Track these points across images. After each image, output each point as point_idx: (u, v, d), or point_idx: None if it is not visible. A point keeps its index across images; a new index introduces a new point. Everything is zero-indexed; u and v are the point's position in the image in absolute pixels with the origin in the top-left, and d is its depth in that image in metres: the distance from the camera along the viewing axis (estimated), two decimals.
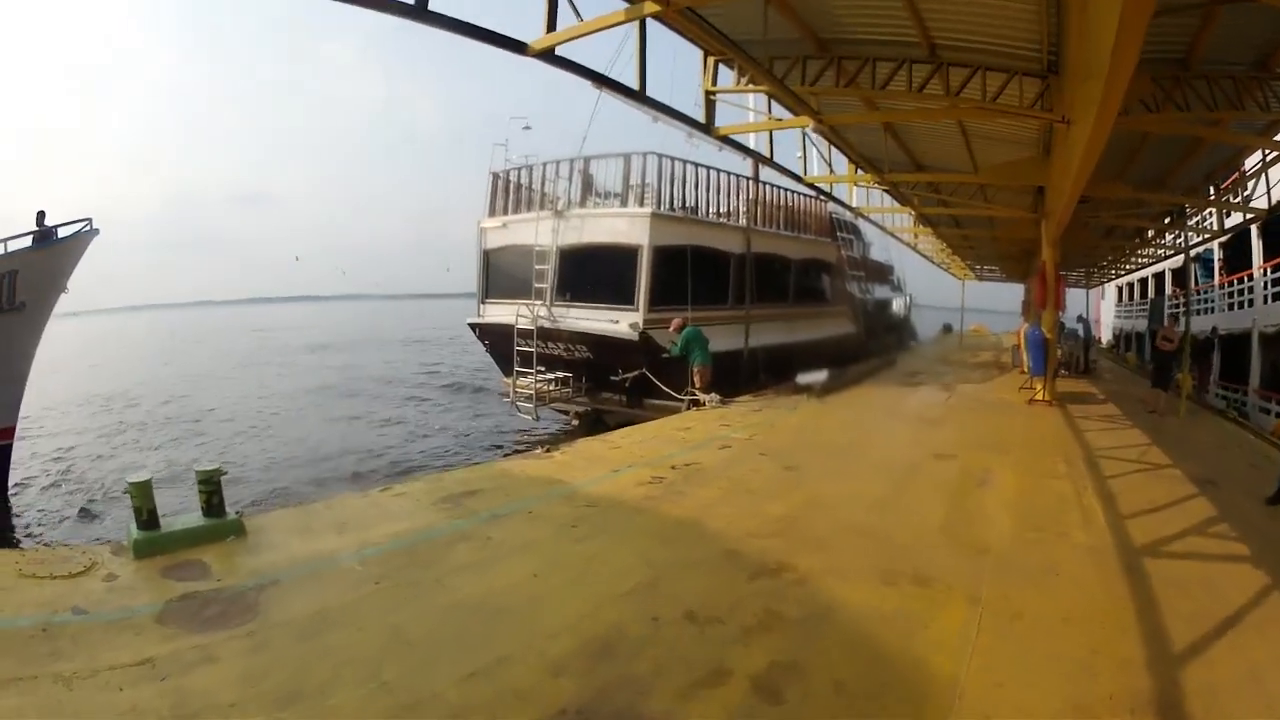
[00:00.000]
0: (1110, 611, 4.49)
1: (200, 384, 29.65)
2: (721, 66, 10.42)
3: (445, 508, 6.36)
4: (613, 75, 8.81)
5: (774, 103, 12.17)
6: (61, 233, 13.22)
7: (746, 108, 13.41)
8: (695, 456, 8.66)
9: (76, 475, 14.73)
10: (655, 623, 4.21)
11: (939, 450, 9.39)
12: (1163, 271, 28.96)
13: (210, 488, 5.32)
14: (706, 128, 10.55)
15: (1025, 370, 16.65)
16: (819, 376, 15.26)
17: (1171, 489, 7.61)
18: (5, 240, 12.38)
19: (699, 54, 10.55)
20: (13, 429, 13.20)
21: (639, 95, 8.54)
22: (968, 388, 16.83)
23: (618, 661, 3.75)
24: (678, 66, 11.26)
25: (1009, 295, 44.15)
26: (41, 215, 12.98)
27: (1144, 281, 32.97)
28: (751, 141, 14.49)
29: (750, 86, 10.11)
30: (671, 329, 13.48)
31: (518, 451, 10.19)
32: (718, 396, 12.98)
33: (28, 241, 12.69)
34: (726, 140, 11.48)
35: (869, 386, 16.78)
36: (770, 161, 13.64)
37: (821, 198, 21.05)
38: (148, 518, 5.01)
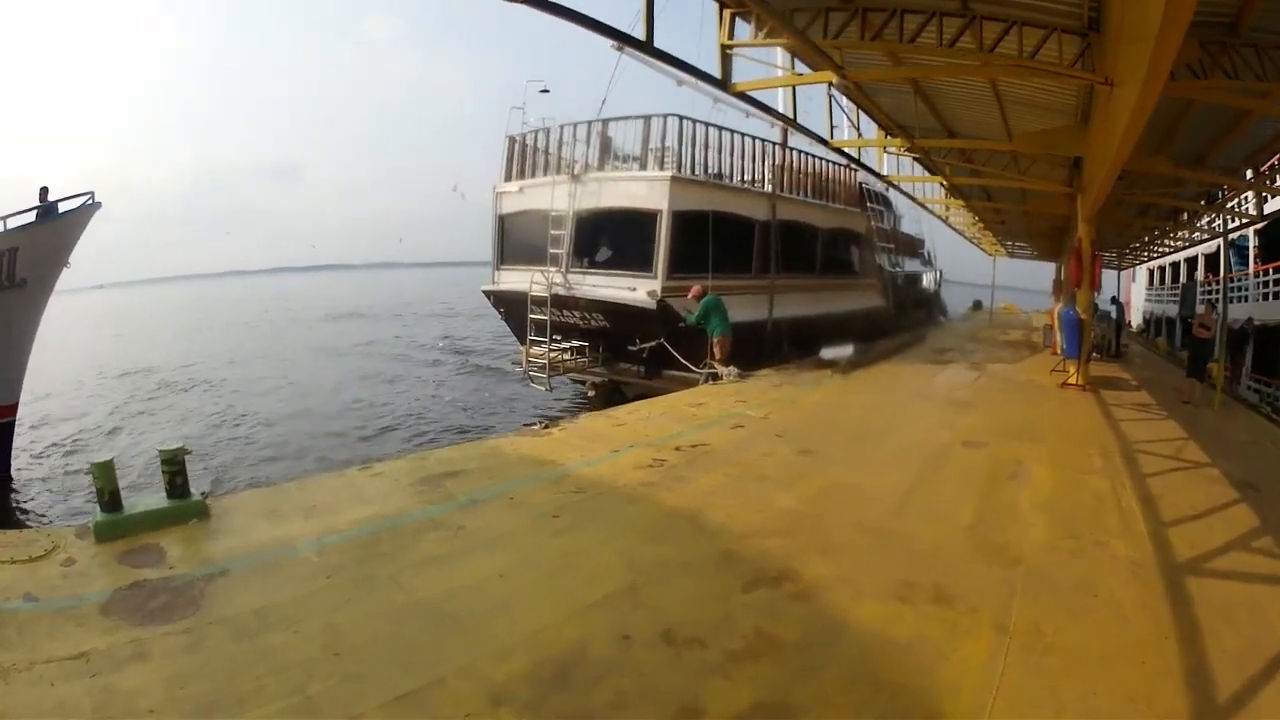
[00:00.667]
0: (1152, 645, 3.87)
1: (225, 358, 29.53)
2: (739, 21, 9.66)
3: (422, 490, 5.93)
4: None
5: (797, 61, 11.35)
6: (63, 208, 12.99)
7: (772, 64, 12.57)
8: (704, 436, 8.08)
9: (92, 451, 14.37)
10: (626, 642, 3.67)
11: (968, 436, 8.72)
12: (1196, 256, 27.85)
13: (174, 468, 5.03)
14: (722, 83, 9.77)
15: (1057, 351, 15.86)
16: (844, 351, 14.57)
17: (1212, 492, 6.89)
18: (5, 217, 12.10)
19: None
20: (14, 406, 13.01)
21: (645, 46, 7.82)
22: (998, 368, 16.08)
23: (572, 691, 3.22)
24: (705, 36, 10.56)
25: (1039, 273, 43.20)
26: (45, 191, 12.76)
27: (1175, 266, 31.84)
28: (779, 103, 13.66)
29: (768, 40, 9.29)
30: (690, 296, 12.87)
31: (526, 425, 9.68)
32: (736, 370, 12.36)
33: (31, 217, 12.44)
34: (744, 98, 10.66)
35: (896, 363, 16.06)
36: (793, 123, 12.80)
37: (852, 166, 20.21)
38: (110, 499, 4.79)
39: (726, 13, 9.64)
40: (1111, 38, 7.50)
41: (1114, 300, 23.66)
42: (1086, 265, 13.63)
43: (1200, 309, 15.34)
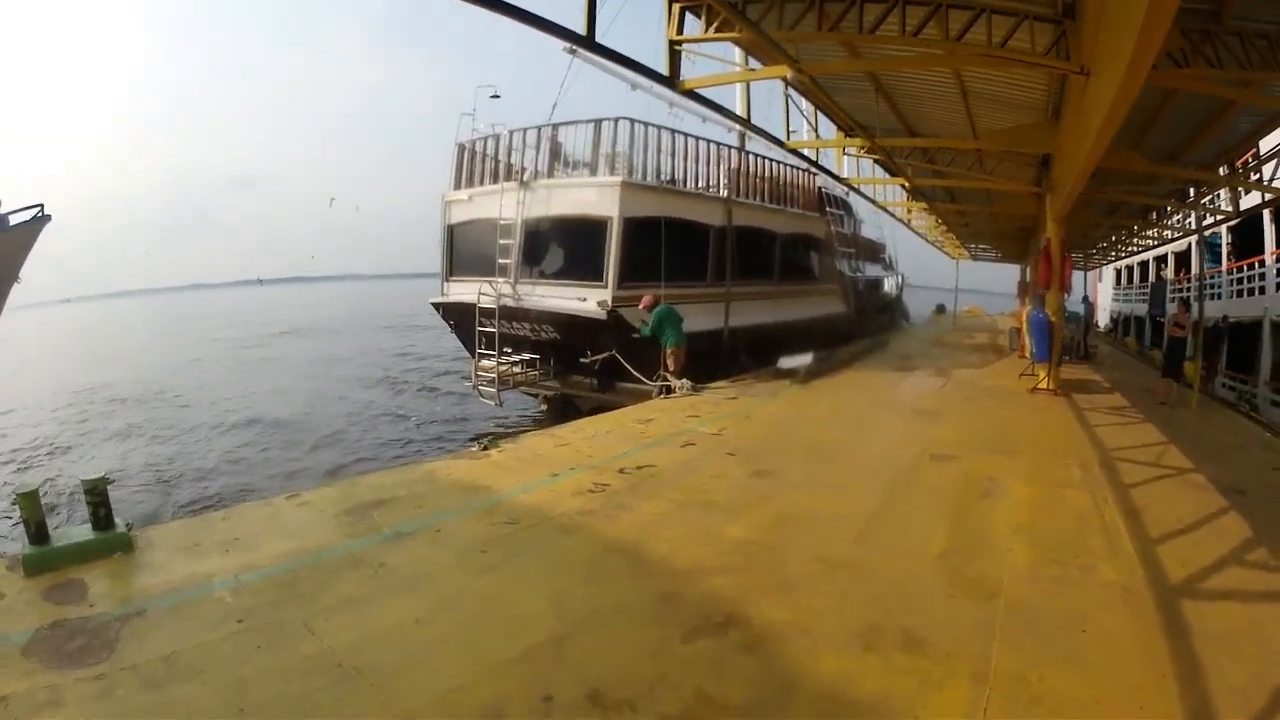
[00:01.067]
0: (1150, 687, 3.41)
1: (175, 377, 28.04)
2: (689, 16, 9.11)
3: (347, 522, 5.41)
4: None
5: (751, 59, 10.85)
6: (12, 220, 12.14)
7: (730, 61, 12.05)
8: (651, 457, 7.47)
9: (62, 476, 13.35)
10: (546, 704, 3.17)
11: (937, 449, 8.23)
12: (1165, 255, 28.04)
13: (96, 498, 4.81)
14: (670, 81, 9.22)
15: (1025, 355, 15.54)
16: (803, 360, 14.03)
17: (1199, 500, 6.53)
18: None
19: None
20: None
21: (586, 41, 7.23)
22: (965, 373, 15.70)
23: None
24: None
25: (1003, 276, 43.51)
26: None
27: (1144, 265, 32.10)
28: (736, 105, 13.12)
29: (719, 34, 8.74)
30: (641, 306, 12.31)
31: (468, 445, 8.99)
32: (689, 383, 11.78)
33: None
34: (695, 97, 10.05)
35: (858, 371, 15.59)
36: (747, 123, 12.28)
37: (810, 170, 19.84)
38: (37, 531, 4.59)
39: (675, 6, 9.11)
40: (1089, 24, 7.09)
41: (1084, 300, 23.55)
42: (1056, 266, 13.37)
43: (1174, 308, 15.18)
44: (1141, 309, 29.87)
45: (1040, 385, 13.01)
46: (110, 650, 3.61)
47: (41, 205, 12.67)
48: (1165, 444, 9.01)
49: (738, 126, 21.42)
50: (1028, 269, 33.60)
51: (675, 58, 9.20)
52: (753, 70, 9.62)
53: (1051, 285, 13.46)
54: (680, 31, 9.08)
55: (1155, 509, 6.17)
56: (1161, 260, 28.74)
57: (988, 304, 49.33)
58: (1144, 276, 31.93)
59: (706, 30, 8.85)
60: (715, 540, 5.15)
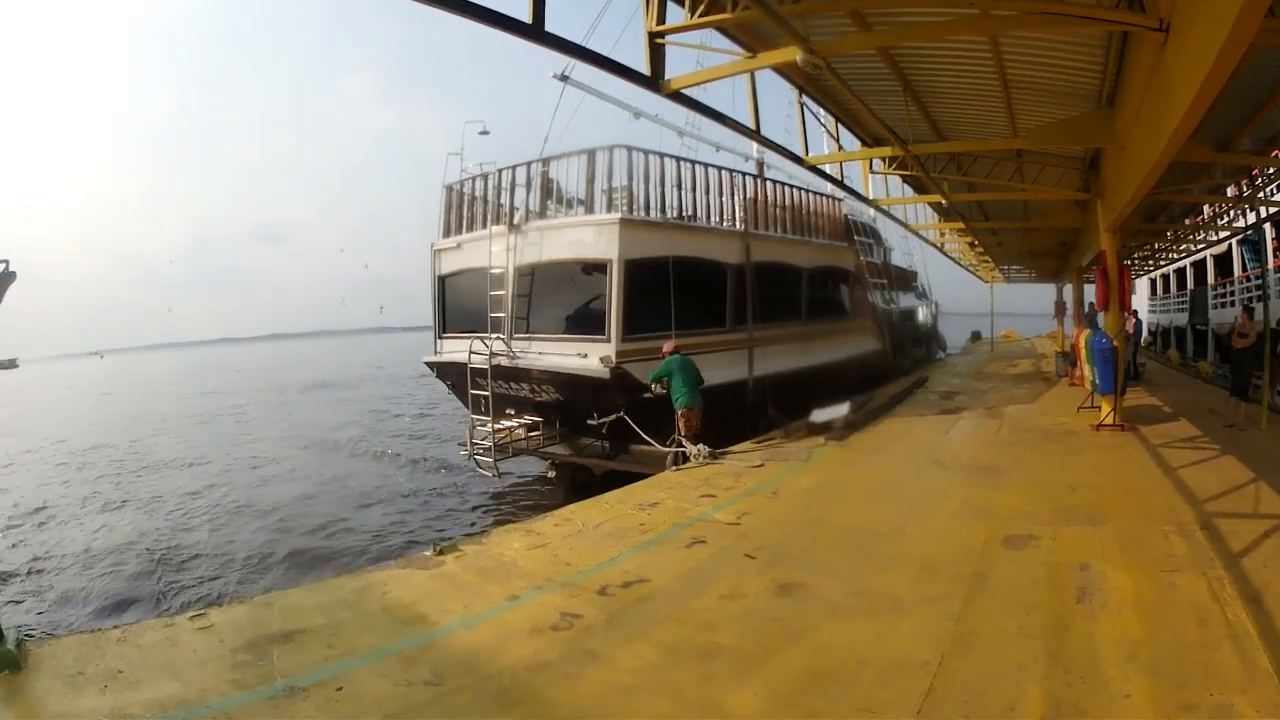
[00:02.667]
0: None
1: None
2: (672, 5, 7.56)
3: (243, 662, 4.33)
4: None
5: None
6: None
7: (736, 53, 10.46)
8: (646, 565, 5.87)
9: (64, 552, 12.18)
10: None
11: (1008, 526, 6.56)
12: (1203, 259, 26.35)
13: None
14: (652, 82, 7.69)
15: (1075, 382, 13.74)
16: (839, 410, 12.31)
17: None
18: None
19: None
20: None
21: (534, 30, 5.76)
22: (1017, 411, 14.02)
23: None
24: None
25: (1036, 297, 42.05)
26: None
27: (1180, 272, 30.37)
28: (747, 117, 11.47)
29: (706, 18, 7.11)
30: (665, 354, 10.91)
31: (422, 551, 7.22)
32: (706, 449, 10.12)
33: None
34: (683, 100, 8.47)
35: (900, 418, 13.84)
36: (756, 135, 10.59)
37: (834, 196, 18.28)
38: None
39: None
40: None
41: (1134, 315, 21.76)
42: (1114, 282, 11.73)
43: (1219, 315, 13.53)
44: (1181, 319, 28.40)
45: (1105, 421, 11.37)
46: None
47: (7, 261, 11.64)
48: (1254, 481, 7.83)
49: (752, 154, 19.96)
50: (1064, 288, 32.35)
51: (658, 54, 7.58)
52: (752, 58, 7.92)
53: (1110, 304, 11.81)
54: (663, 22, 7.52)
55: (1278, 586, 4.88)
56: (1199, 266, 27.12)
57: (1021, 326, 48.10)
58: (1181, 284, 30.35)
59: (692, 16, 7.28)
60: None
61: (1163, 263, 32.04)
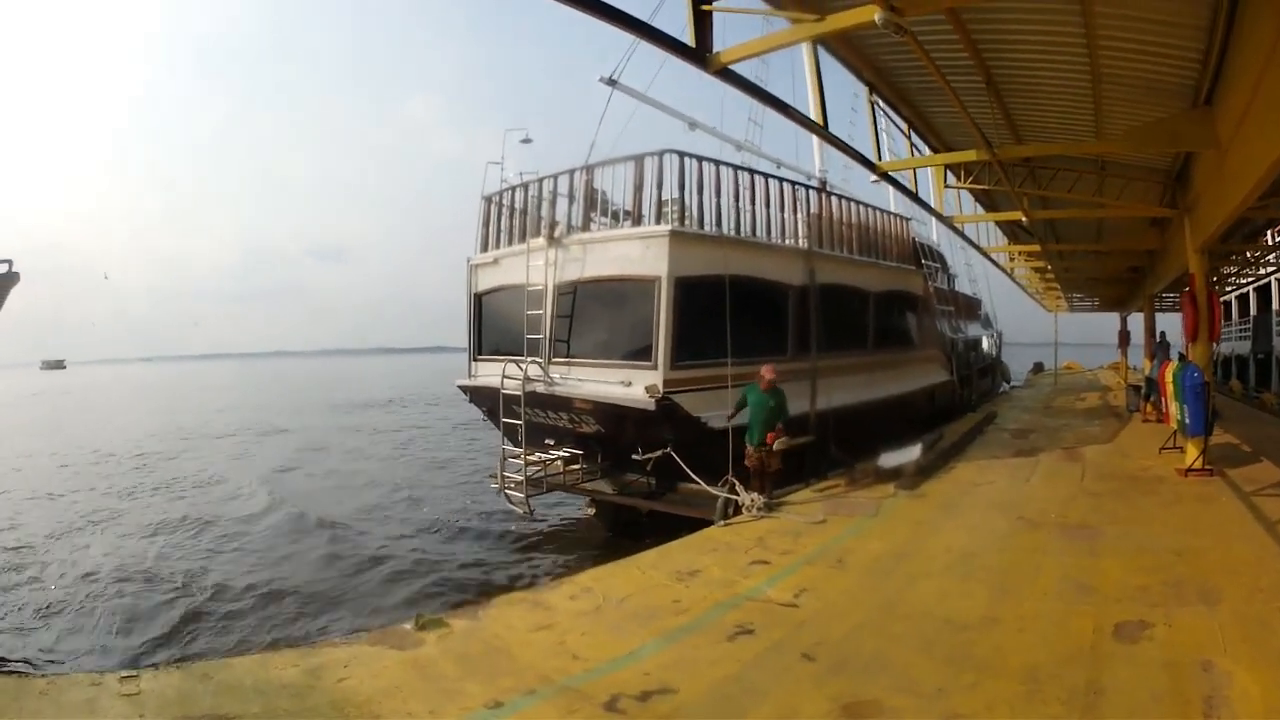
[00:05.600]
0: None
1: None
2: None
3: None
4: None
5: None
6: None
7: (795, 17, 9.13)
8: (672, 663, 4.61)
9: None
10: None
11: (1117, 609, 5.35)
12: (1268, 283, 25.54)
13: None
14: (698, 54, 6.39)
15: (1168, 420, 12.21)
16: (910, 454, 10.88)
17: None
18: None
19: None
20: None
21: None
22: (1096, 453, 12.67)
23: None
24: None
25: (1096, 327, 40.67)
26: None
27: (1243, 298, 29.39)
28: (814, 107, 10.12)
29: None
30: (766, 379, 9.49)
31: (404, 620, 5.77)
32: (762, 499, 8.79)
33: None
34: (734, 79, 7.09)
35: (974, 461, 12.34)
36: (822, 131, 9.24)
37: (902, 216, 16.90)
38: None
39: None
40: None
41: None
42: (1203, 310, 10.34)
43: None
44: (1243, 348, 27.34)
45: (1195, 465, 10.08)
46: None
47: (10, 261, 11.70)
48: None
49: (815, 172, 18.55)
50: (1127, 317, 31.34)
51: (703, 23, 6.33)
52: (820, 20, 6.49)
53: (1200, 334, 10.43)
54: None
55: None
56: (1262, 291, 26.33)
57: (1082, 357, 46.58)
58: (1243, 310, 29.30)
59: None
60: None
61: (1229, 288, 30.56)
